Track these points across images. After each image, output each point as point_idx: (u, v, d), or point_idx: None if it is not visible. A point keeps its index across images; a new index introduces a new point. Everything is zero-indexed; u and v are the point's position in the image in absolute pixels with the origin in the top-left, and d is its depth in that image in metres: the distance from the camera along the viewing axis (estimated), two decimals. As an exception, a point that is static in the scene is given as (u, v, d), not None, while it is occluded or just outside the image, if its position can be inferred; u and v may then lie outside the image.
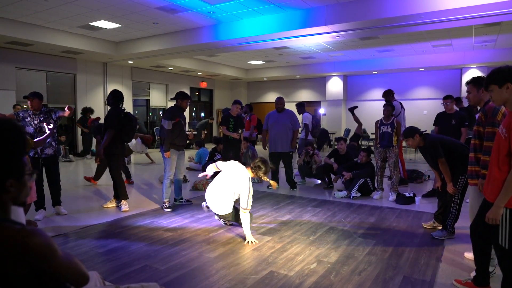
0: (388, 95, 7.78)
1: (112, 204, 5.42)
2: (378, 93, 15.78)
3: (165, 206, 5.28)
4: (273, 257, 3.51)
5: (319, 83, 17.11)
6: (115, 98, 5.18)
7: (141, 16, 8.46)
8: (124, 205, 5.24)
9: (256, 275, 3.10)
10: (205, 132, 13.04)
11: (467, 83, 3.33)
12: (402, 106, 7.78)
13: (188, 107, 5.47)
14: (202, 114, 18.15)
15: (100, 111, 12.38)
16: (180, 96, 5.35)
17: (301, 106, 8.25)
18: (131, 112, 9.63)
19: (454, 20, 7.36)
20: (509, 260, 2.40)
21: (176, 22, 9.01)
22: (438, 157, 3.86)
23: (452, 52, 12.70)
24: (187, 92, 16.18)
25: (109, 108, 5.24)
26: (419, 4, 6.80)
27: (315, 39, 9.47)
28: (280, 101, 6.71)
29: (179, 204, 5.58)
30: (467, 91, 3.33)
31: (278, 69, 16.48)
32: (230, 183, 4.10)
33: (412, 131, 4.10)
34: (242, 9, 7.99)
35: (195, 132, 13.31)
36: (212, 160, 8.38)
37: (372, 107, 15.33)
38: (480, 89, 3.18)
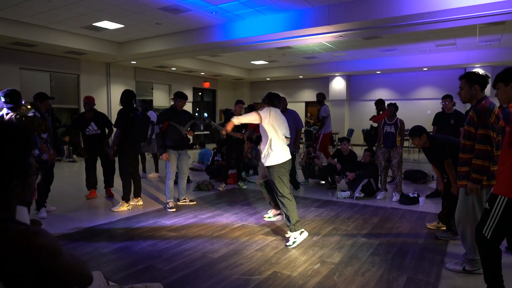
0: (320, 97, 7.92)
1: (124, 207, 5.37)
2: (381, 93, 15.73)
3: (168, 206, 5.30)
4: (276, 258, 3.50)
5: (322, 83, 17.07)
6: (126, 98, 5.24)
7: (144, 17, 8.47)
8: (119, 206, 5.26)
9: (259, 276, 3.10)
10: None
11: (460, 78, 3.08)
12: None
13: (184, 106, 5.44)
14: (205, 114, 18.17)
15: (103, 111, 12.40)
16: (175, 96, 5.40)
17: (145, 104, 8.32)
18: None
19: (458, 20, 7.32)
20: (489, 250, 2.46)
21: (179, 22, 9.02)
22: (445, 158, 3.82)
23: (456, 51, 12.64)
24: (190, 92, 16.27)
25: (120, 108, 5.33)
26: (423, 3, 6.77)
27: (318, 39, 9.45)
28: (282, 101, 6.69)
29: (183, 205, 5.59)
30: (460, 87, 3.09)
31: (281, 69, 16.46)
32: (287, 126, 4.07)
33: (420, 131, 4.06)
34: (245, 9, 7.99)
35: (208, 132, 13.23)
36: (213, 160, 8.38)
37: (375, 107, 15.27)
38: (473, 86, 2.96)
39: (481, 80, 2.97)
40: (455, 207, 3.41)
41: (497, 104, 3.08)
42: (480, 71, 3.21)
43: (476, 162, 2.85)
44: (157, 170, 8.46)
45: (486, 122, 2.81)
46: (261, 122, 3.87)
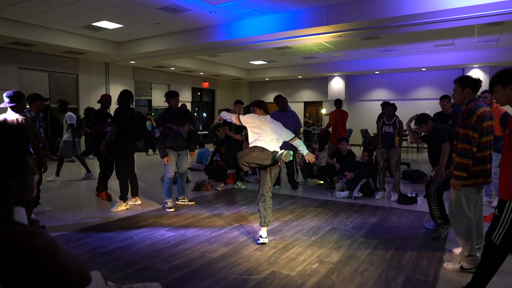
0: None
1: (123, 206, 5.34)
2: (380, 93, 15.77)
3: (167, 206, 5.30)
4: (275, 257, 3.51)
5: (321, 83, 17.09)
6: (124, 98, 5.27)
7: (143, 17, 8.47)
8: (117, 206, 5.25)
9: (258, 275, 3.10)
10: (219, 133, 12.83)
11: (455, 81, 3.28)
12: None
13: (178, 104, 5.42)
14: (204, 115, 18.17)
15: (102, 111, 12.40)
16: (166, 97, 5.36)
17: (63, 105, 8.00)
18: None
19: (456, 20, 7.34)
20: (494, 255, 2.49)
21: (178, 22, 9.02)
22: (442, 142, 4.04)
23: (454, 52, 12.67)
24: (189, 92, 16.28)
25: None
26: (421, 3, 6.78)
27: (316, 39, 9.46)
28: (283, 101, 6.71)
29: (181, 204, 5.59)
30: (454, 89, 3.28)
31: (280, 69, 16.47)
32: (277, 134, 4.00)
33: (425, 117, 4.32)
34: (244, 9, 8.00)
35: (207, 132, 13.12)
36: (211, 160, 8.38)
37: (374, 107, 15.25)
38: (465, 89, 3.16)
39: (473, 84, 3.16)
40: (440, 205, 3.52)
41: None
42: (473, 75, 3.35)
43: (457, 159, 3.04)
44: (57, 174, 7.78)
45: (466, 123, 3.00)
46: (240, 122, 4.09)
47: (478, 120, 2.97)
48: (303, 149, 4.10)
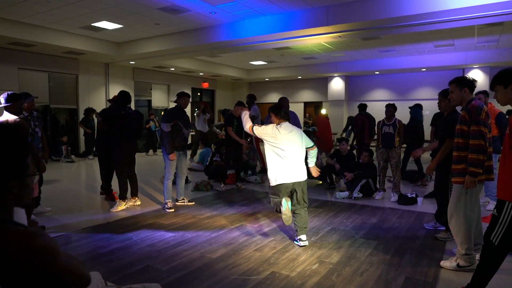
0: (248, 98, 7.84)
1: (123, 205, 5.35)
2: (380, 94, 15.76)
3: (166, 206, 5.29)
4: (275, 258, 3.51)
5: (321, 83, 17.09)
6: (121, 99, 5.31)
7: (143, 17, 8.47)
8: (117, 205, 5.26)
9: (258, 276, 3.10)
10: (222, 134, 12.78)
11: (450, 83, 3.33)
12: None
13: (188, 106, 5.50)
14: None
15: (102, 111, 12.40)
16: (178, 96, 5.41)
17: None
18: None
19: (457, 20, 7.33)
20: (493, 255, 2.49)
21: (178, 23, 9.02)
22: (449, 136, 3.80)
23: (454, 52, 12.66)
24: (189, 92, 16.24)
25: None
26: (421, 4, 6.78)
27: (316, 40, 9.45)
28: (284, 100, 6.72)
29: (181, 205, 5.58)
30: (450, 91, 3.33)
31: (280, 70, 16.47)
32: (298, 144, 3.78)
33: (463, 83, 4.04)
34: (244, 10, 7.99)
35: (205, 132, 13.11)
36: (212, 161, 8.38)
37: (374, 108, 15.24)
38: (463, 89, 3.22)
39: (470, 84, 3.24)
40: (446, 205, 3.47)
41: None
42: (473, 75, 3.37)
43: (472, 156, 3.02)
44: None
45: (477, 119, 3.02)
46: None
47: (486, 117, 3.05)
48: (312, 161, 4.05)
